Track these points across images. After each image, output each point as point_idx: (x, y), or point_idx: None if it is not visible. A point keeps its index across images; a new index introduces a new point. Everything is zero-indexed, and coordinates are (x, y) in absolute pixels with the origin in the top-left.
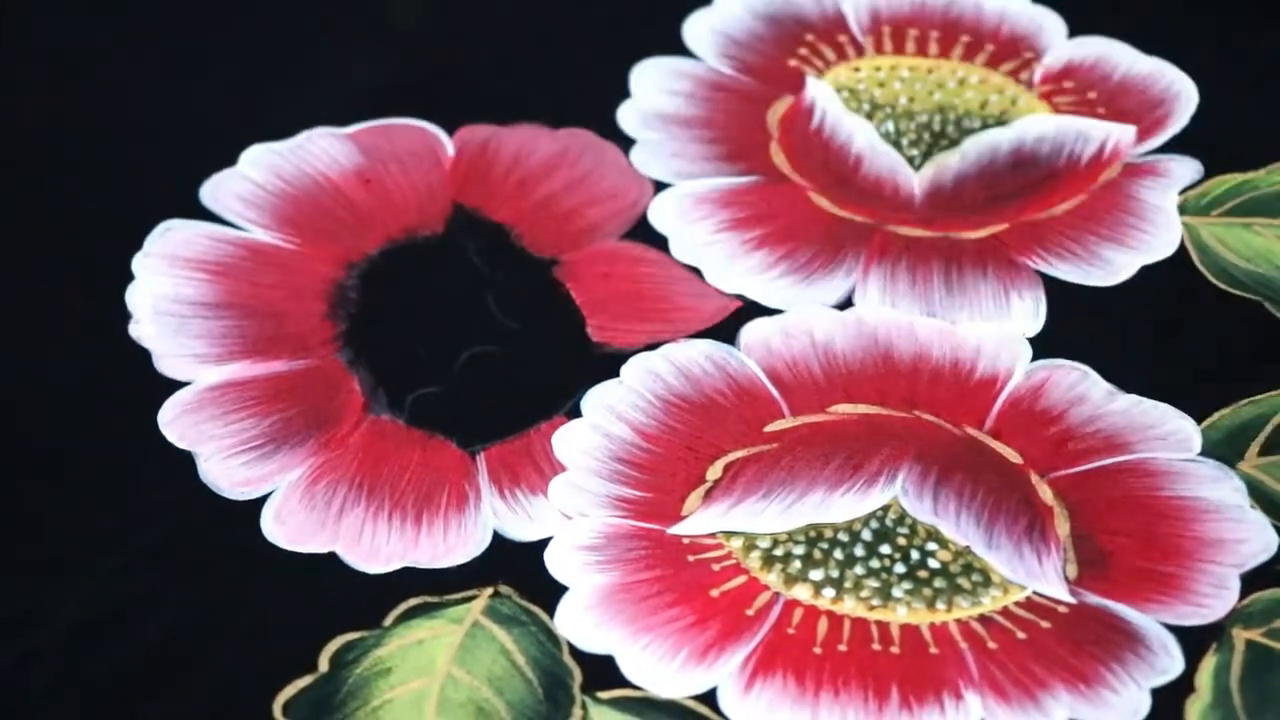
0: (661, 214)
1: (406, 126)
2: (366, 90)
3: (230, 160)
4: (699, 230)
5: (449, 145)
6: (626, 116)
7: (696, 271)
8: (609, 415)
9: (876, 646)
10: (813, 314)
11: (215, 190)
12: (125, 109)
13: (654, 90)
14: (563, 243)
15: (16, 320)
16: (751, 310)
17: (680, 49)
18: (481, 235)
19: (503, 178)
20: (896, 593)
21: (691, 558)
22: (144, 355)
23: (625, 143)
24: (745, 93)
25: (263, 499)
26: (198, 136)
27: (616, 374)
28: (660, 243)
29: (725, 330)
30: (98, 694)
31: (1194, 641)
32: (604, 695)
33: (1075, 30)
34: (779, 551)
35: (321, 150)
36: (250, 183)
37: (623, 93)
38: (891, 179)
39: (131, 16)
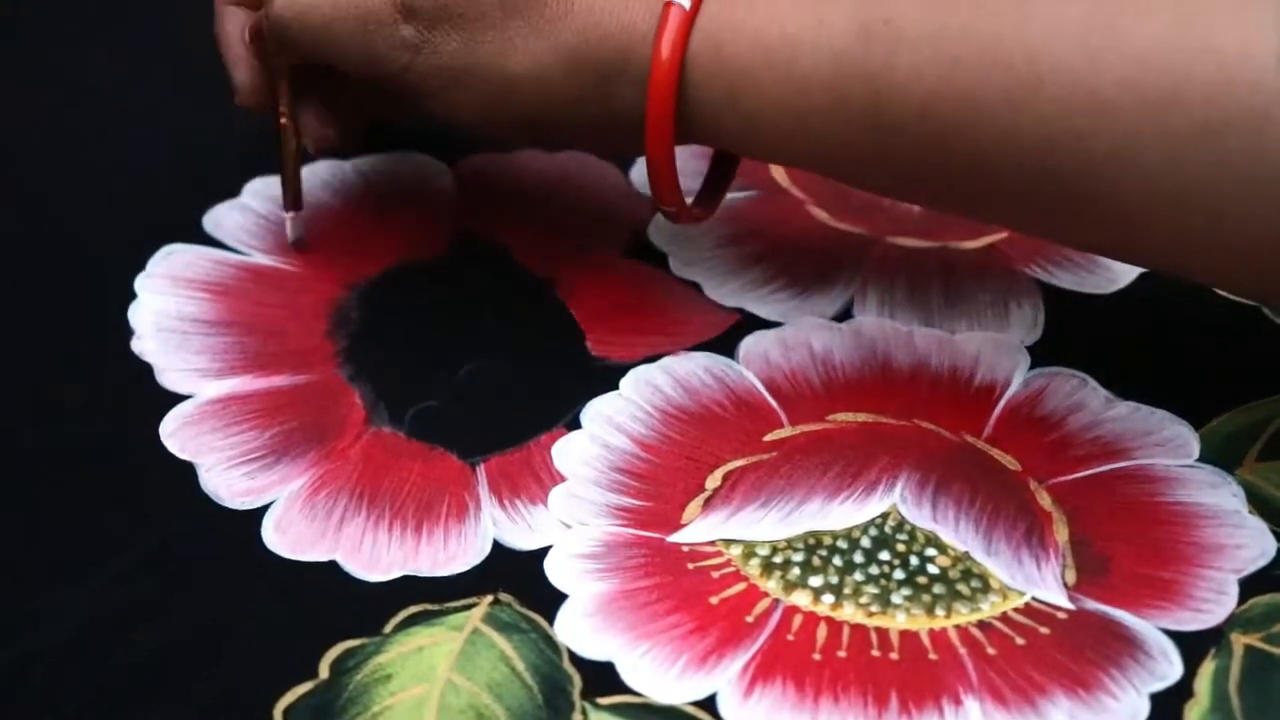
0: (660, 231)
1: (407, 158)
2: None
3: (234, 191)
4: (697, 245)
5: (449, 175)
6: None
7: (695, 286)
8: (608, 426)
9: (876, 653)
10: (811, 326)
11: (218, 219)
12: (131, 138)
13: None
14: (562, 261)
15: (22, 335)
16: (750, 324)
17: None
18: (481, 255)
19: (503, 202)
20: (896, 599)
21: (691, 565)
22: (146, 370)
23: (625, 162)
24: None
25: (264, 509)
26: (202, 167)
27: (615, 387)
28: (659, 260)
29: (724, 343)
30: (97, 700)
31: (1193, 647)
32: (604, 701)
33: None
34: (778, 559)
35: (323, 181)
36: (253, 213)
37: None
38: None
39: (133, 48)
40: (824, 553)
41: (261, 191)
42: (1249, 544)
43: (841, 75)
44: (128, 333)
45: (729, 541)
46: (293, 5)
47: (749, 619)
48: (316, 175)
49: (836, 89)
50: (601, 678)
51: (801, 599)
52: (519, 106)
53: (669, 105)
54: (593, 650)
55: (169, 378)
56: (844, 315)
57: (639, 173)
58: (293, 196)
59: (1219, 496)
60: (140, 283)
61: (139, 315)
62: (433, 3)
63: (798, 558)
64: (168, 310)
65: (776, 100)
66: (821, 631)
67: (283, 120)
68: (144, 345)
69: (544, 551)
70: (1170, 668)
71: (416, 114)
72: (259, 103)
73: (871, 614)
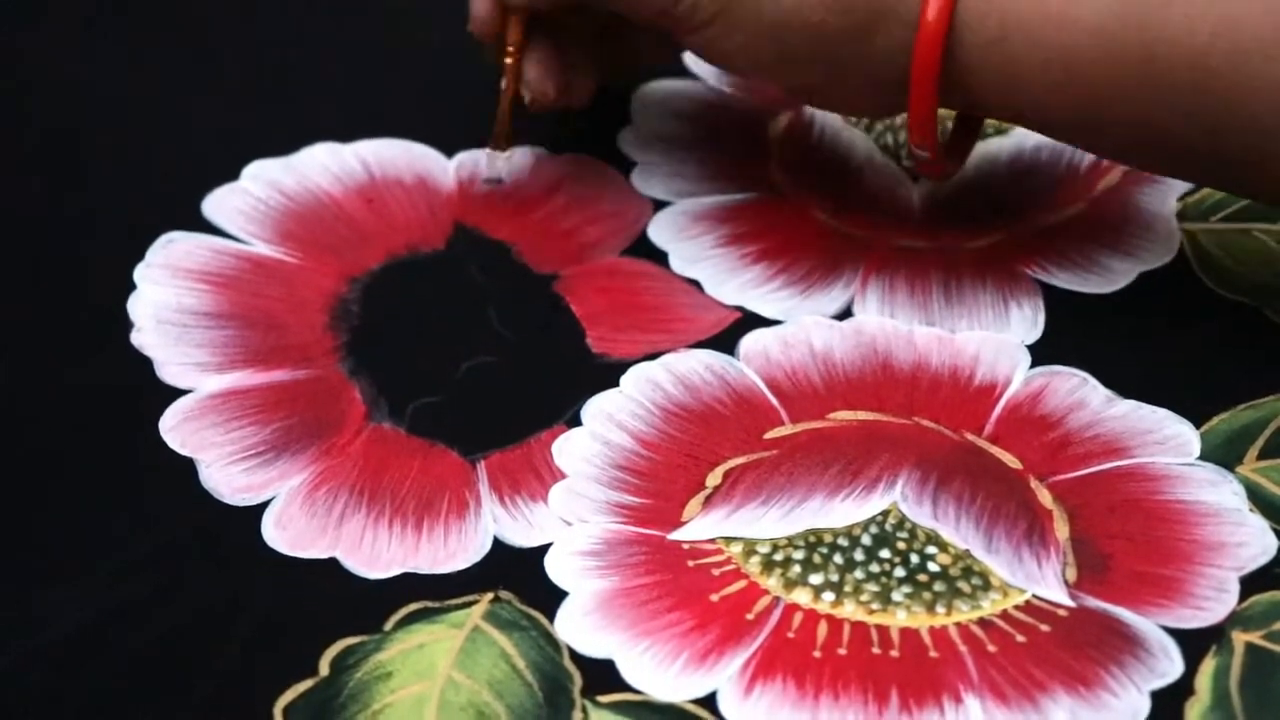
0: (661, 230)
1: (409, 147)
2: (369, 111)
3: (233, 175)
4: (698, 245)
5: (450, 168)
6: (627, 140)
7: (696, 284)
8: (609, 423)
9: (876, 650)
10: (811, 324)
11: (217, 204)
12: (129, 122)
13: (655, 113)
14: (563, 259)
15: (20, 328)
16: (750, 321)
17: (680, 71)
18: (482, 252)
19: (504, 199)
20: (896, 597)
21: (691, 563)
22: (146, 363)
23: (626, 165)
24: (745, 110)
25: (264, 505)
26: (201, 150)
27: (616, 384)
28: (660, 259)
29: (725, 341)
30: (98, 698)
31: (1193, 644)
32: (604, 699)
33: None
34: (779, 556)
35: (323, 166)
36: (252, 197)
37: (624, 117)
38: (891, 191)
39: (134, 32)
40: (824, 550)
41: (260, 175)
42: (1250, 542)
43: (1115, 19)
44: (127, 325)
45: (729, 539)
46: None
47: (749, 616)
48: (315, 161)
49: (1107, 33)
50: (602, 675)
51: (802, 596)
52: (783, 44)
53: (939, 40)
54: (593, 648)
55: (169, 371)
56: (844, 315)
57: (639, 175)
58: (500, 137)
59: (1220, 495)
60: (139, 273)
61: (138, 307)
62: None
63: (798, 555)
64: (167, 302)
65: (1044, 44)
66: (822, 629)
67: (508, 60)
68: (143, 339)
69: (544, 549)
70: (1171, 665)
71: (663, 59)
72: (487, 34)
73: (872, 611)
